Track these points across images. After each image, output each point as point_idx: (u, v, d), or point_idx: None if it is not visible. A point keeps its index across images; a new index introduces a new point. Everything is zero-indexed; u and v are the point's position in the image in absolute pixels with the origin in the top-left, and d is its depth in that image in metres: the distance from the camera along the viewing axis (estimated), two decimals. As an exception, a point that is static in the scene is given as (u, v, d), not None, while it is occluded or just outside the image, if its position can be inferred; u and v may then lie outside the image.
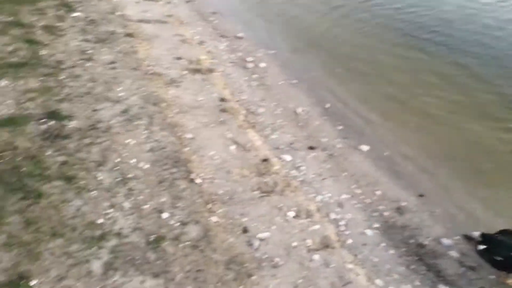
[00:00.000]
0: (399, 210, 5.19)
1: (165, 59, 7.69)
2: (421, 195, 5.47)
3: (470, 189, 5.57)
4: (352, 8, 11.50)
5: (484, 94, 7.62)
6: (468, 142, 6.49)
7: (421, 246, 4.69)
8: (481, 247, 4.46)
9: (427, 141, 6.49)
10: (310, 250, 4.33)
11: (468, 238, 4.79)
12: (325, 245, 4.43)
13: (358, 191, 5.45)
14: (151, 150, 5.33)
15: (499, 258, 4.28)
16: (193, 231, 4.29)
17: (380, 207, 5.20)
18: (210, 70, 7.65)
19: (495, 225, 4.84)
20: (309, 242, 4.43)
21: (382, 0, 12.09)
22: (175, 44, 8.40)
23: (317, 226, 4.66)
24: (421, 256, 4.55)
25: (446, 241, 4.78)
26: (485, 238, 4.50)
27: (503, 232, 4.51)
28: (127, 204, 4.48)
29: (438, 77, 8.18)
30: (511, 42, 9.70)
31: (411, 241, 4.76)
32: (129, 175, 4.86)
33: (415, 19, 10.86)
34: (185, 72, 7.39)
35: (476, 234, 4.68)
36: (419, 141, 6.49)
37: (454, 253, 4.63)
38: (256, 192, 4.99)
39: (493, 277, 4.38)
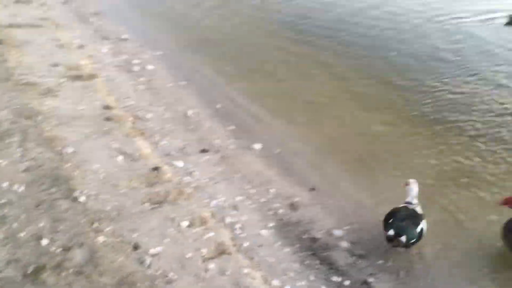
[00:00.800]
0: (293, 206, 5.27)
1: (40, 67, 7.13)
2: (312, 189, 5.62)
3: (356, 179, 5.82)
4: (240, 4, 11.58)
5: (366, 86, 8.05)
6: (352, 133, 6.79)
7: (314, 240, 4.79)
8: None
9: (315, 135, 6.70)
10: (205, 260, 4.22)
11: None
12: (221, 251, 4.36)
13: (252, 191, 5.46)
14: (27, 169, 4.87)
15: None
16: (77, 255, 3.97)
17: (275, 205, 5.25)
18: (92, 76, 7.23)
19: (380, 211, 5.11)
20: (204, 251, 4.32)
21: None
22: (51, 49, 7.83)
23: (212, 233, 4.56)
24: (314, 250, 4.65)
25: (337, 232, 4.93)
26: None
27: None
28: (-1, 234, 4.04)
29: (324, 71, 8.50)
30: (391, 36, 10.35)
31: (305, 236, 4.85)
32: (1, 201, 4.40)
33: (300, 14, 11.21)
34: (64, 79, 6.91)
35: None
36: (307, 136, 6.67)
37: (344, 244, 4.79)
38: (146, 204, 4.78)
39: (381, 262, 4.61)
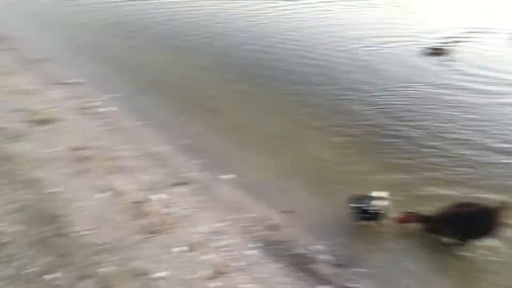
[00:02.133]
0: (273, 228, 5.70)
1: (2, 113, 7.12)
2: (287, 211, 6.09)
3: (323, 198, 6.38)
4: (189, 44, 12.16)
5: (311, 119, 8.80)
6: (312, 158, 7.41)
7: (298, 256, 5.25)
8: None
9: (280, 163, 7.24)
10: (208, 280, 4.53)
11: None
12: (220, 272, 4.68)
13: (232, 217, 5.83)
14: (21, 209, 4.95)
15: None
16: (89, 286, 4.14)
17: (256, 228, 5.65)
18: (55, 119, 7.37)
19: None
20: (204, 272, 4.62)
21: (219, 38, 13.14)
22: (7, 96, 7.82)
23: (206, 256, 4.88)
24: (301, 265, 5.10)
25: (317, 247, 5.42)
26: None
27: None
28: (9, 271, 4.11)
29: (275, 105, 9.19)
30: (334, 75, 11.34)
31: (290, 253, 5.28)
32: (5, 240, 4.46)
33: (246, 55, 12.01)
34: (29, 124, 6.95)
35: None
36: (273, 164, 7.19)
37: (324, 257, 5.29)
38: (138, 235, 5.01)
39: (360, 269, 5.14)
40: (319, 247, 5.42)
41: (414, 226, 5.76)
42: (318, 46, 13.38)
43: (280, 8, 18.32)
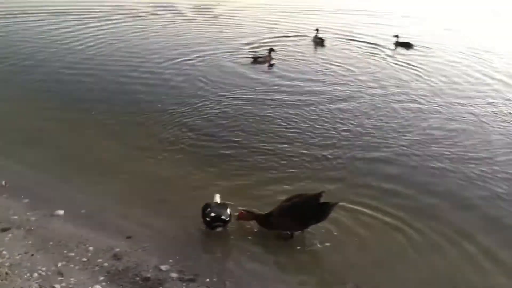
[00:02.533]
0: (116, 257, 5.58)
1: None
2: (128, 237, 6.02)
3: (163, 217, 6.46)
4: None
5: (141, 139, 8.82)
6: (145, 180, 7.42)
7: (146, 279, 5.24)
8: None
9: (113, 189, 7.10)
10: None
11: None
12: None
13: (71, 254, 5.54)
14: None
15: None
16: None
17: (98, 260, 5.47)
18: None
19: (192, 238, 5.94)
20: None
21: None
22: None
23: (49, 302, 4.58)
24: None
25: (163, 267, 5.49)
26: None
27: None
28: None
29: (103, 129, 8.96)
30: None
31: (137, 278, 5.25)
32: None
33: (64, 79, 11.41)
34: None
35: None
36: (106, 191, 7.01)
37: (173, 274, 5.39)
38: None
39: (207, 279, 5.36)
40: (167, 266, 5.50)
41: (254, 224, 6.27)
42: (139, 64, 13.40)
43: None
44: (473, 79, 13.48)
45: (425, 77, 13.35)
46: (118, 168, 7.68)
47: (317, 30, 16.84)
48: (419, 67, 14.28)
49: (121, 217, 6.46)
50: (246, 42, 16.54)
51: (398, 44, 16.63)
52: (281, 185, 7.33)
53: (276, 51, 14.34)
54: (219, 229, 6.05)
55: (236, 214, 6.27)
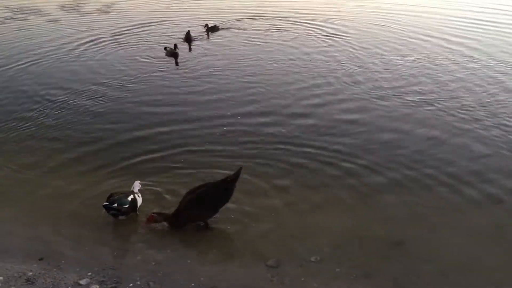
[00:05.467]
0: (30, 281, 5.33)
1: None
2: (41, 259, 5.75)
3: (73, 231, 6.29)
4: None
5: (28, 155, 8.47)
6: (46, 196, 7.13)
7: (69, 296, 5.10)
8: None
9: (14, 212, 6.75)
10: None
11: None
12: None
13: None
14: None
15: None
16: None
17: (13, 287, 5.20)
18: None
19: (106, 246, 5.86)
20: None
21: None
22: None
23: None
24: (71, 305, 4.99)
25: (83, 281, 5.34)
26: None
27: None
28: None
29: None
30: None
31: (59, 297, 5.08)
32: None
33: None
34: None
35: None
36: (9, 216, 6.63)
37: (95, 286, 5.27)
38: None
39: (131, 284, 5.31)
40: (87, 279, 5.36)
41: (164, 224, 6.30)
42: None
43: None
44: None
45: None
46: (9, 191, 7.30)
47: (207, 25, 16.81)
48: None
49: (29, 240, 6.17)
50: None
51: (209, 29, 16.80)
52: (183, 178, 7.41)
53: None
54: (121, 217, 6.28)
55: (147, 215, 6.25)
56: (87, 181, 7.44)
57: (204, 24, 16.82)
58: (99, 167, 7.86)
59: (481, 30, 15.77)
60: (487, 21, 16.93)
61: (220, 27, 17.05)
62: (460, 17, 17.58)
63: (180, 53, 13.93)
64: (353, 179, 7.26)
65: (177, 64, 13.44)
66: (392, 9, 19.34)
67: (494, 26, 16.30)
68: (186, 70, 12.83)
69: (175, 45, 14.17)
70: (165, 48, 14.23)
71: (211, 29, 16.69)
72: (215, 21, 17.56)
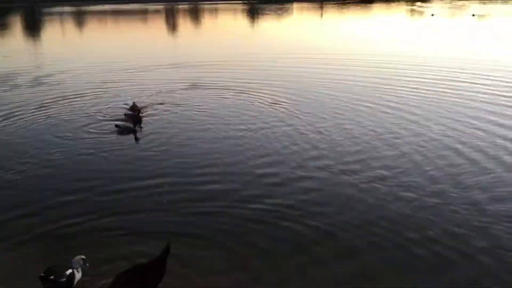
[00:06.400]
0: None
1: None
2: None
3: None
4: None
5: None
6: None
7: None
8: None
9: None
10: None
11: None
12: None
13: None
14: None
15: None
16: None
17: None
18: None
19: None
20: None
21: None
22: None
23: None
24: None
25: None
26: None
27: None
28: None
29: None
30: None
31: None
32: None
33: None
34: None
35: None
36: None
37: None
38: None
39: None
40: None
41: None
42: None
43: None
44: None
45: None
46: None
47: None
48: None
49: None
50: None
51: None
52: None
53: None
54: None
55: None
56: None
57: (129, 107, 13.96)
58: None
59: (421, 97, 15.77)
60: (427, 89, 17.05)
61: (142, 112, 13.38)
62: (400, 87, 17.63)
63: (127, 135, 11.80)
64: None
65: (136, 139, 11.58)
66: (334, 78, 19.32)
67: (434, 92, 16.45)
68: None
69: (134, 104, 12.99)
70: (125, 114, 12.71)
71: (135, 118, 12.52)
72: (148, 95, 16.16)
